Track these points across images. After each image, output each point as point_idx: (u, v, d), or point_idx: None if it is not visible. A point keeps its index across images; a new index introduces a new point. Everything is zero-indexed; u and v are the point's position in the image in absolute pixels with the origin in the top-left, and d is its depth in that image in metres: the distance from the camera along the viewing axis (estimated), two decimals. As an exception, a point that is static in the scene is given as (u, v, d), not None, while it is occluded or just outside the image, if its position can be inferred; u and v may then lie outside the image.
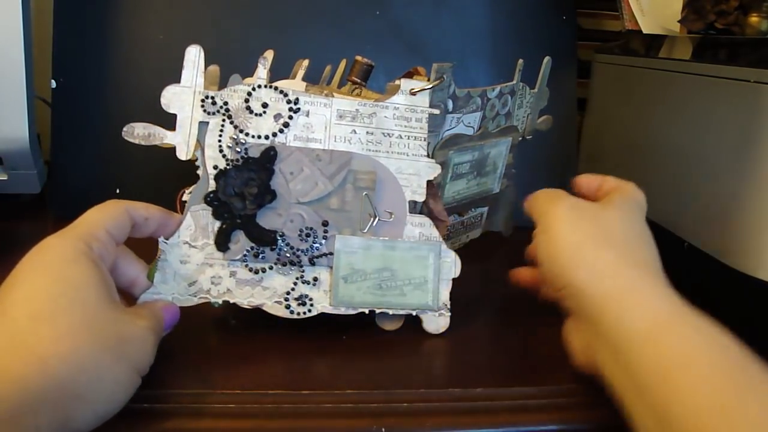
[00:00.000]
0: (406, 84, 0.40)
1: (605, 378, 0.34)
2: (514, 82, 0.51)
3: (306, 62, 0.50)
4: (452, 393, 0.35)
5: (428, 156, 0.40)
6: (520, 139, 0.55)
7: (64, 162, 0.58)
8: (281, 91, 0.38)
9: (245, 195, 0.37)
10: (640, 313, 0.32)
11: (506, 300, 0.47)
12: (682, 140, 0.54)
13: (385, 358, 0.38)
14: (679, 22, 0.58)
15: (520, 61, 0.51)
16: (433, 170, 0.40)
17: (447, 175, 0.49)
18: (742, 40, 0.53)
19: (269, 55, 0.40)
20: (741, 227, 0.47)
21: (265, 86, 0.38)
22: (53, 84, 0.58)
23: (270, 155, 0.38)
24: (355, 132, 0.39)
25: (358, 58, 0.48)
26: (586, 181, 0.43)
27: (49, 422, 0.27)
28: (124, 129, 0.37)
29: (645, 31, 0.62)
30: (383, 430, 0.32)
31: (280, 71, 0.50)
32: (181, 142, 0.37)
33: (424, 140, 0.40)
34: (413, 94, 0.40)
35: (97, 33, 0.59)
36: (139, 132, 0.37)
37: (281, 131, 0.38)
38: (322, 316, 0.40)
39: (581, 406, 0.35)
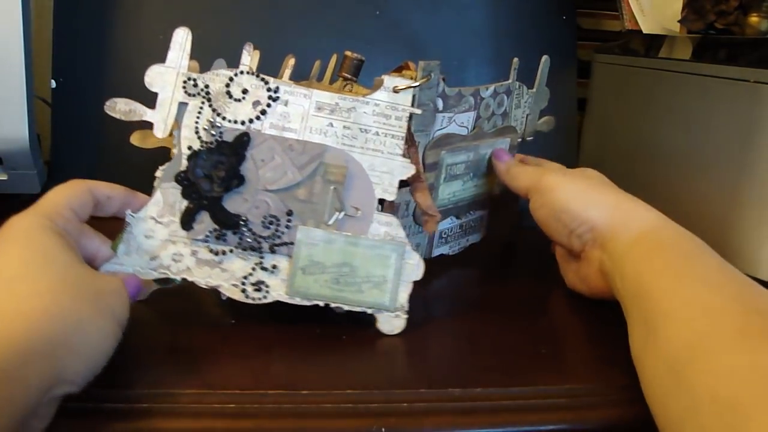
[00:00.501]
0: (389, 81, 0.40)
1: (612, 291, 0.40)
2: (510, 81, 0.50)
3: (292, 60, 0.49)
4: (452, 393, 0.35)
5: (404, 155, 0.40)
6: (520, 140, 0.54)
7: (64, 162, 0.58)
8: (263, 79, 0.38)
9: (213, 177, 0.38)
10: (634, 225, 0.40)
11: (506, 300, 0.47)
12: (681, 140, 0.54)
13: (386, 358, 0.38)
14: (679, 22, 0.58)
15: (515, 59, 0.50)
16: (407, 170, 0.40)
17: (441, 176, 0.48)
18: (742, 40, 0.53)
19: (256, 56, 0.40)
20: (741, 227, 0.47)
21: (248, 73, 0.38)
22: (53, 84, 0.58)
23: (243, 141, 0.38)
24: (332, 125, 0.39)
25: (348, 53, 0.47)
26: (528, 162, 0.52)
27: (39, 375, 0.28)
28: (107, 103, 0.38)
29: (645, 31, 0.62)
30: (383, 430, 0.32)
31: (279, 71, 0.50)
32: (160, 120, 0.38)
33: (402, 139, 0.40)
34: (396, 91, 0.40)
35: (97, 33, 0.59)
36: (120, 107, 0.38)
37: (258, 118, 0.38)
38: (323, 316, 0.40)
39: (581, 406, 0.35)
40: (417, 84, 0.40)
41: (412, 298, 0.44)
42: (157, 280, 0.39)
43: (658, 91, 0.58)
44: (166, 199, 0.38)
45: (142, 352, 0.37)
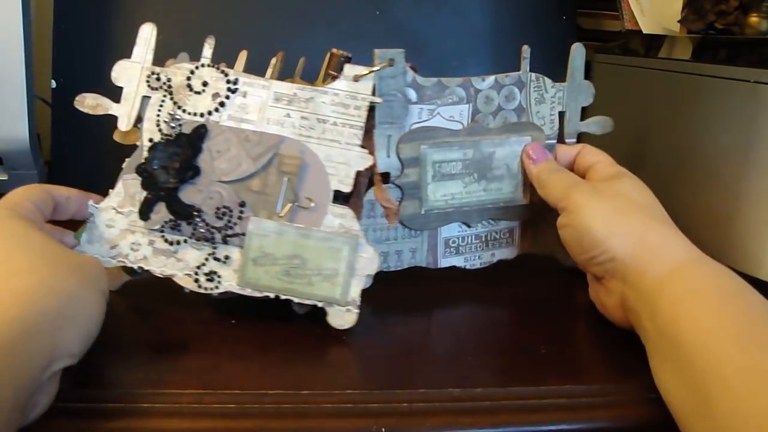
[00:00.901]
0: (349, 69, 0.40)
1: (635, 325, 0.38)
2: (520, 72, 0.47)
3: (273, 60, 0.48)
4: (452, 393, 0.35)
5: (360, 145, 0.40)
6: (553, 141, 0.48)
7: (64, 162, 0.58)
8: (222, 71, 0.39)
9: (169, 169, 0.39)
10: (665, 262, 0.37)
11: (506, 301, 0.47)
12: (681, 140, 0.54)
13: (386, 358, 0.38)
14: (679, 22, 0.58)
15: (525, 47, 0.46)
16: (364, 160, 0.40)
17: (426, 174, 0.45)
18: (742, 40, 0.53)
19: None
20: (741, 227, 0.47)
21: (208, 66, 0.39)
22: (53, 84, 0.58)
23: (200, 133, 0.39)
24: (290, 116, 0.39)
25: (334, 50, 0.46)
26: (562, 152, 0.48)
27: (40, 348, 0.28)
28: (76, 98, 0.40)
29: (645, 31, 0.62)
30: (383, 430, 0.32)
31: (282, 72, 0.50)
32: (123, 114, 0.39)
33: (360, 129, 0.40)
34: (356, 80, 0.40)
35: (97, 33, 0.59)
36: (89, 102, 0.40)
37: (216, 110, 0.39)
38: (323, 316, 0.40)
39: (581, 406, 0.35)
40: (374, 70, 0.40)
41: (414, 298, 0.44)
42: (128, 271, 0.40)
43: (658, 91, 0.58)
44: (127, 190, 0.39)
45: (142, 353, 0.37)
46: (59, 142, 0.58)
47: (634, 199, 0.41)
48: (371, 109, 0.41)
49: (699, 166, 0.52)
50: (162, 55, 0.42)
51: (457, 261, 0.48)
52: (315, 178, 0.39)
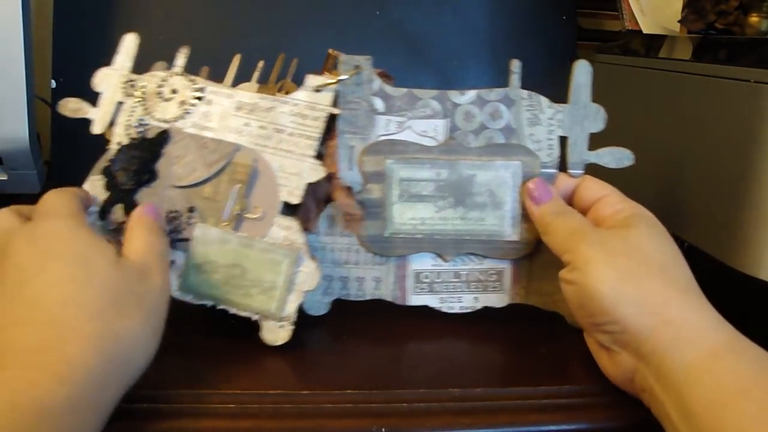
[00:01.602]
0: (310, 80, 0.40)
1: (654, 409, 0.33)
2: (509, 87, 0.42)
3: (261, 63, 0.48)
4: (452, 393, 0.35)
5: (317, 156, 0.39)
6: (553, 171, 0.42)
7: (64, 162, 0.58)
8: (192, 80, 0.41)
9: (128, 171, 0.40)
10: (693, 344, 0.32)
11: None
12: (681, 140, 0.54)
13: (385, 359, 0.38)
14: (679, 22, 0.58)
15: (514, 61, 0.42)
16: (317, 173, 0.39)
17: (391, 191, 0.41)
18: (742, 40, 0.53)
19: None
20: (741, 227, 0.47)
21: (180, 75, 0.41)
22: (53, 84, 0.58)
23: (161, 138, 0.40)
24: (249, 125, 0.40)
25: (331, 51, 0.45)
26: (560, 183, 0.42)
27: (108, 395, 0.29)
28: (59, 102, 0.41)
29: (645, 31, 0.62)
30: (383, 430, 0.32)
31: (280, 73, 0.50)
32: (98, 118, 0.41)
33: (316, 140, 0.39)
34: (317, 90, 0.40)
35: (97, 33, 0.59)
36: (71, 106, 0.41)
37: (182, 117, 0.40)
38: (323, 316, 0.40)
39: (581, 406, 0.35)
40: (336, 80, 0.40)
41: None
42: None
43: (658, 91, 0.58)
44: (93, 189, 0.40)
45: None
46: (59, 142, 0.58)
47: (651, 256, 0.35)
48: (334, 118, 0.41)
49: (699, 166, 0.52)
50: (160, 56, 0.42)
51: (431, 301, 0.43)
52: (265, 187, 0.39)
